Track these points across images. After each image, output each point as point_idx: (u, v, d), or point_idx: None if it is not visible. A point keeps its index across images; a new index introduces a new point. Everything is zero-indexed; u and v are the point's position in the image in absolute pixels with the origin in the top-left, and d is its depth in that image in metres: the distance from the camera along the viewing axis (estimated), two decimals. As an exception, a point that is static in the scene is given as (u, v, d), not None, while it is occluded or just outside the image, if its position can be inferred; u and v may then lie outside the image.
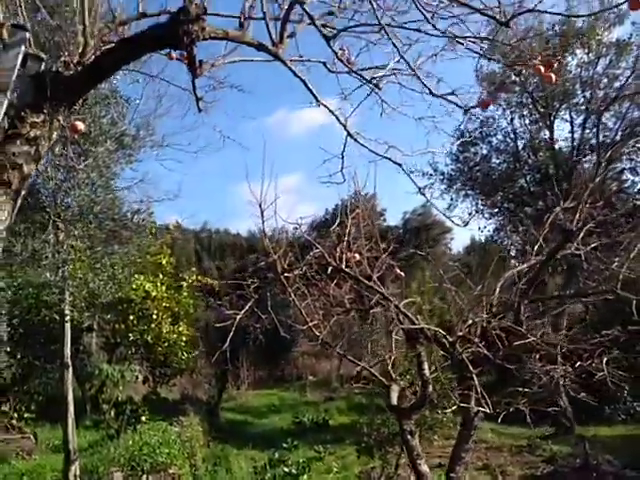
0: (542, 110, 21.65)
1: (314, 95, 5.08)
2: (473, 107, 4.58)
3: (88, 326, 20.20)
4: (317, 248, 7.62)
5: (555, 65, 4.65)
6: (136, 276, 17.18)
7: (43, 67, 4.24)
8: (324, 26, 5.16)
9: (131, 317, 17.99)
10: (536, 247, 7.06)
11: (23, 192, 3.74)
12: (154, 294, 17.82)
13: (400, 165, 5.84)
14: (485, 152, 23.28)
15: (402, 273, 8.91)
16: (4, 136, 3.78)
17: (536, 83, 21.35)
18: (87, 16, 4.73)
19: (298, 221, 8.08)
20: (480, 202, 24.26)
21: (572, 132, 21.87)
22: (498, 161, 23.54)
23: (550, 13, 4.44)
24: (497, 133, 23.52)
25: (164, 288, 18.46)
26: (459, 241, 63.74)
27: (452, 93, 4.78)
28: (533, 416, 6.62)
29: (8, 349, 17.36)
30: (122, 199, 9.29)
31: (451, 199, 23.88)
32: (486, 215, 24.11)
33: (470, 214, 23.12)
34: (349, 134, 5.51)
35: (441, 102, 5.25)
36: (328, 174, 6.18)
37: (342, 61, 5.20)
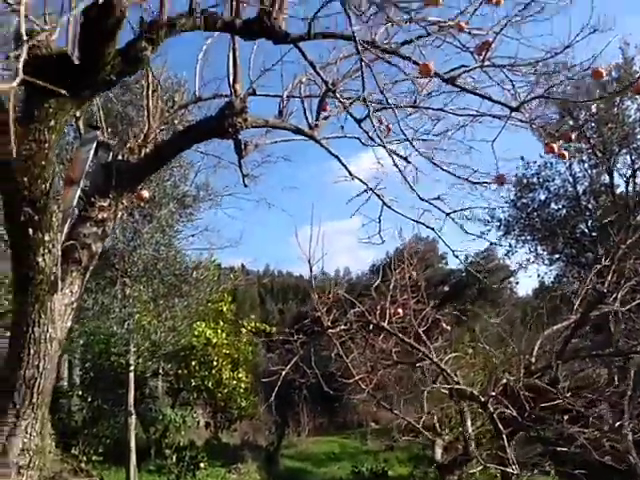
0: (600, 155, 21.42)
1: (348, 170, 5.56)
2: (488, 183, 4.90)
3: (154, 371, 21.06)
4: (361, 304, 7.97)
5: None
6: (198, 323, 17.98)
7: (111, 155, 4.92)
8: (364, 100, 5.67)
9: (193, 363, 18.72)
10: (577, 302, 7.16)
11: (91, 267, 4.35)
12: (215, 341, 18.52)
13: (433, 229, 6.20)
14: (543, 197, 23.12)
15: (448, 327, 9.10)
16: (76, 219, 4.43)
17: (594, 128, 21.26)
18: (151, 101, 5.45)
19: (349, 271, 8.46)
20: (540, 248, 23.96)
21: (634, 176, 21.48)
22: (557, 206, 23.30)
23: (559, 99, 4.76)
24: (555, 178, 23.38)
25: (224, 335, 19.15)
26: (529, 284, 62.37)
27: (468, 180, 5.10)
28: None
29: (80, 392, 18.34)
30: (183, 254, 10.02)
31: (509, 245, 23.71)
32: (546, 261, 23.76)
33: (528, 260, 22.88)
34: (384, 203, 5.93)
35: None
36: (367, 236, 6.58)
37: (378, 137, 5.62)
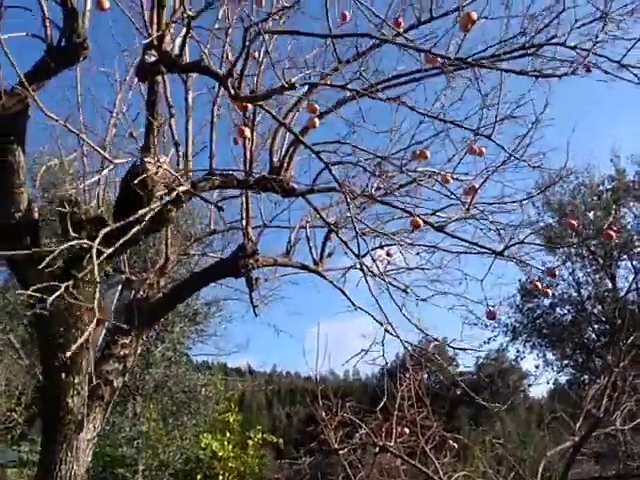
0: (602, 262, 21.94)
1: (351, 302, 5.98)
2: (478, 319, 5.28)
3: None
4: (366, 423, 8.11)
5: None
6: (205, 435, 17.74)
7: (133, 292, 5.38)
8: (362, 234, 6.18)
9: (198, 477, 18.23)
10: (580, 420, 7.28)
11: (111, 402, 4.68)
12: (221, 454, 18.14)
13: (434, 354, 6.53)
14: (548, 303, 23.36)
15: (455, 444, 9.13)
16: (100, 356, 4.81)
17: (592, 234, 21.93)
18: (170, 236, 5.98)
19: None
20: (549, 353, 23.93)
21: (635, 281, 21.85)
22: (563, 312, 23.51)
23: (542, 245, 5.24)
24: (559, 283, 23.75)
25: (231, 447, 18.76)
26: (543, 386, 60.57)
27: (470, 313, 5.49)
28: None
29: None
30: (192, 371, 10.26)
31: (517, 351, 23.70)
32: (555, 367, 23.64)
33: (537, 367, 22.80)
34: (386, 330, 6.28)
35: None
36: (371, 359, 6.87)
37: (378, 269, 6.09)
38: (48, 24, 3.63)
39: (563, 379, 23.87)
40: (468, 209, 5.07)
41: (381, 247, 5.98)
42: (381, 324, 6.27)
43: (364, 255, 5.90)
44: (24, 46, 3.72)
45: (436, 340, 6.40)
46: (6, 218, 3.92)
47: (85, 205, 4.20)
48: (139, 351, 5.13)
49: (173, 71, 3.49)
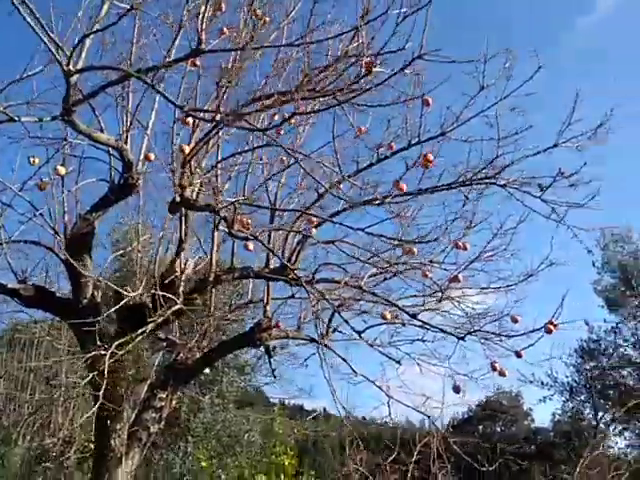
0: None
1: (353, 370, 7.07)
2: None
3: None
4: None
5: None
6: (260, 476, 18.90)
7: (175, 354, 6.74)
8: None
9: (253, 516, 19.32)
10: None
11: (148, 444, 5.99)
12: (274, 496, 19.21)
13: (429, 417, 7.44)
14: (606, 363, 23.03)
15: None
16: (141, 406, 6.16)
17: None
18: (212, 307, 7.33)
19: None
20: (612, 414, 23.45)
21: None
22: (623, 373, 23.07)
23: (490, 333, 6.15)
24: (620, 344, 23.39)
25: (284, 489, 19.81)
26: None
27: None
28: None
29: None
30: (236, 417, 11.51)
31: (573, 409, 23.38)
32: (618, 429, 23.10)
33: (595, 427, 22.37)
34: (388, 396, 7.29)
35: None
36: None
37: (378, 344, 7.14)
38: (112, 171, 5.14)
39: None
40: (441, 299, 6.14)
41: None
42: (381, 389, 7.33)
43: (363, 331, 7.04)
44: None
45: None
46: (77, 303, 5.40)
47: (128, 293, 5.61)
48: (174, 403, 6.45)
49: (192, 209, 4.89)
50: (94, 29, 4.14)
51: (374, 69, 4.43)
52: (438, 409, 7.63)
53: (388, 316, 5.57)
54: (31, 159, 5.00)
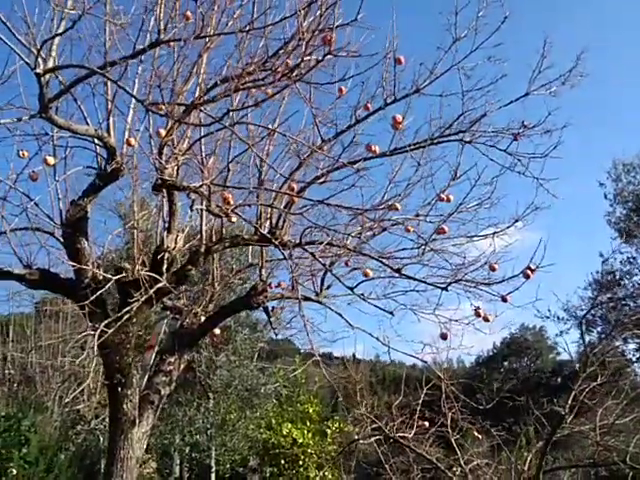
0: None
1: (349, 324, 7.44)
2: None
3: (252, 467, 22.89)
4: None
5: None
6: (285, 424, 19.83)
7: (180, 321, 7.18)
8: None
9: (282, 462, 20.34)
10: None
11: (160, 406, 6.49)
12: (300, 441, 20.14)
13: (425, 362, 7.82)
14: (622, 294, 23.23)
15: (479, 436, 10.31)
16: (154, 372, 6.63)
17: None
18: (216, 272, 7.72)
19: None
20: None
21: None
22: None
23: (471, 281, 6.43)
24: (637, 273, 23.53)
25: (310, 435, 20.73)
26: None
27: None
28: None
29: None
30: (252, 372, 12.12)
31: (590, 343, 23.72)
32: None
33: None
34: (385, 344, 7.68)
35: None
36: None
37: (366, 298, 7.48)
38: (99, 158, 5.44)
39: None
40: (424, 252, 6.43)
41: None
42: (378, 339, 7.72)
43: (355, 287, 7.38)
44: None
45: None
46: (80, 282, 5.81)
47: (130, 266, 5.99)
48: (182, 366, 6.92)
49: (174, 190, 5.20)
50: (60, 28, 4.37)
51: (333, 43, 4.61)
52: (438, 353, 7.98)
53: (370, 273, 5.89)
54: (20, 152, 5.31)
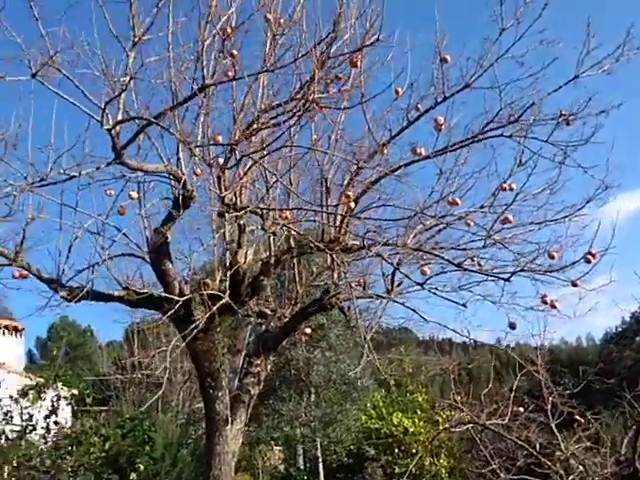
0: None
1: (424, 318, 7.70)
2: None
3: (372, 457, 23.51)
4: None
5: None
6: (397, 414, 20.24)
7: (265, 325, 7.80)
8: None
9: (396, 450, 20.73)
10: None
11: (251, 404, 7.13)
12: (412, 430, 20.43)
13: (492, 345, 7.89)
14: None
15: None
16: (243, 374, 7.29)
17: None
18: (298, 276, 8.28)
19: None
20: None
21: None
22: None
23: (534, 271, 6.43)
24: None
25: (421, 423, 20.96)
26: None
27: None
28: None
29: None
30: (349, 367, 12.60)
31: None
32: None
33: None
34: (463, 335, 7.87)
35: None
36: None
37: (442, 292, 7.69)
38: (175, 191, 6.14)
39: None
40: (488, 242, 6.56)
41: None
42: (455, 331, 7.90)
43: (424, 282, 7.61)
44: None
45: None
46: (168, 299, 6.56)
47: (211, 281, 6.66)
48: (269, 367, 7.54)
49: (235, 212, 5.79)
50: (125, 83, 5.05)
51: (359, 63, 4.97)
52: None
53: (427, 271, 6.15)
54: (108, 191, 6.12)
